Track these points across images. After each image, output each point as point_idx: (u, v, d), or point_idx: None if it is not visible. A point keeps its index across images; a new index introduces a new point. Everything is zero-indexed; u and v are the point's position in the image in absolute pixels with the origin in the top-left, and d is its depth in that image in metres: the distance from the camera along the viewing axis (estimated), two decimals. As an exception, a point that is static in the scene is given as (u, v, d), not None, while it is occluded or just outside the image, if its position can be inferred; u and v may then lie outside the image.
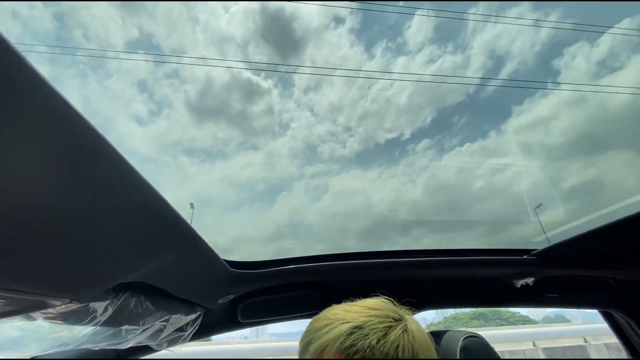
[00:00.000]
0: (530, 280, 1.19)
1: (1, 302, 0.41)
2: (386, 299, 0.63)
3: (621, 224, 0.83)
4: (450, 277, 1.14)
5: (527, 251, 1.09)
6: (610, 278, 1.24)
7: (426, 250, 1.10)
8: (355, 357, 0.49)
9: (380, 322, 0.54)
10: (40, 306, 0.46)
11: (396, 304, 0.62)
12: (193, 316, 0.94)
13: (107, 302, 0.59)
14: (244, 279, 0.94)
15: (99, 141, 0.31)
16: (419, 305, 1.18)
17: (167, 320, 0.81)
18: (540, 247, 1.07)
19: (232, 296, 0.99)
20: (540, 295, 1.23)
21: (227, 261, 0.89)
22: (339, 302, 0.66)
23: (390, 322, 0.54)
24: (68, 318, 0.53)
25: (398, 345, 0.51)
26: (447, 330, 0.85)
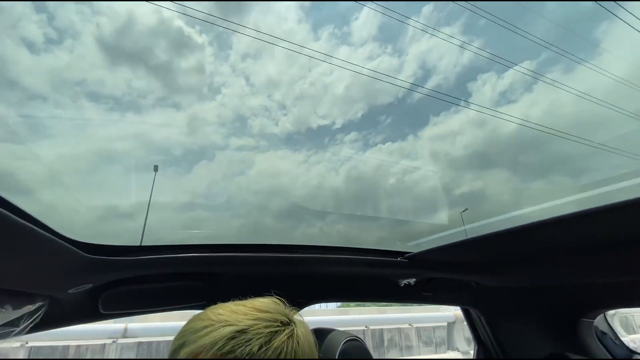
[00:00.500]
0: (412, 281, 1.30)
1: None
2: (278, 299, 0.59)
3: (483, 239, 0.94)
4: (339, 273, 1.17)
5: (403, 253, 1.18)
6: (473, 282, 1.43)
7: (318, 247, 1.10)
8: None
9: (267, 327, 0.50)
10: None
11: (287, 306, 0.59)
12: (30, 308, 0.75)
13: None
14: (106, 267, 0.78)
15: None
16: (308, 298, 1.19)
17: (-22, 317, 0.62)
18: (418, 250, 1.17)
19: (90, 285, 0.83)
20: (418, 293, 1.37)
21: (86, 245, 0.73)
22: (225, 294, 0.61)
23: (277, 326, 0.51)
24: None
25: (280, 352, 0.49)
26: (333, 330, 0.86)
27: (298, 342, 0.51)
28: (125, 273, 0.87)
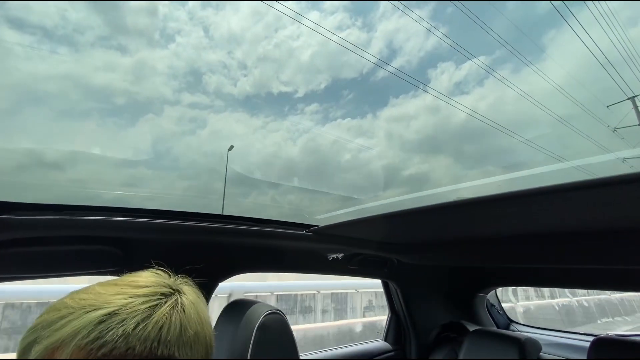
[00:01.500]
0: (340, 255, 1.37)
1: None
2: (161, 270, 0.52)
3: (388, 217, 0.99)
4: (261, 245, 1.19)
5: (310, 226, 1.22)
6: (395, 258, 1.56)
7: (241, 217, 1.09)
8: (100, 354, 0.38)
9: (144, 302, 0.43)
10: None
11: (170, 275, 0.52)
12: None
13: None
14: None
15: None
16: (227, 269, 1.19)
17: None
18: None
19: None
20: (345, 267, 1.45)
21: None
22: (140, 262, 0.54)
23: (158, 299, 0.44)
24: None
25: (162, 326, 0.42)
26: (255, 302, 0.87)
27: (184, 311, 0.46)
28: (20, 233, 0.77)
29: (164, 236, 0.96)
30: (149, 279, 0.48)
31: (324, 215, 1.31)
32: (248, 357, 0.70)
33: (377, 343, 1.74)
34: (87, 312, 0.40)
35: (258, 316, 0.77)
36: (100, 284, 0.46)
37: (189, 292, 0.50)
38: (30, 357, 0.40)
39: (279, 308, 0.83)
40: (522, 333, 1.60)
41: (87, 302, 0.41)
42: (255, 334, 0.72)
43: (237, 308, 0.84)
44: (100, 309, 0.40)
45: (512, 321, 1.93)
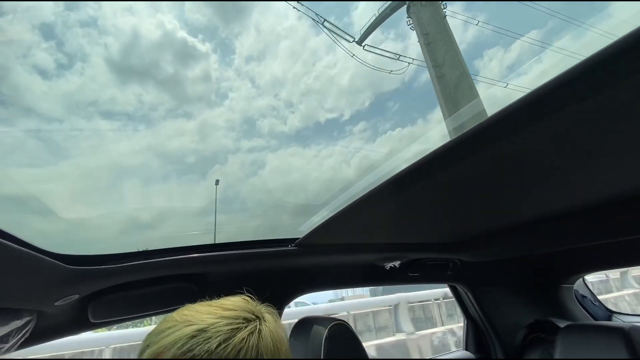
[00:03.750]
0: (397, 263, 1.34)
1: None
2: (248, 296, 0.59)
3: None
4: (320, 265, 1.21)
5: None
6: (457, 259, 1.48)
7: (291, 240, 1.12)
8: None
9: (227, 324, 0.49)
10: None
11: (256, 302, 0.58)
12: (17, 323, 0.77)
13: None
14: (90, 277, 0.81)
15: None
16: (298, 289, 1.23)
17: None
18: None
19: (76, 296, 0.85)
20: (404, 274, 1.41)
21: (67, 256, 0.75)
22: (215, 294, 0.61)
23: (240, 323, 0.50)
24: None
25: (240, 349, 0.47)
26: (318, 317, 0.89)
27: (261, 338, 0.50)
28: (111, 281, 0.89)
29: (232, 267, 1.04)
30: (237, 303, 0.55)
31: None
32: None
33: (459, 353, 1.62)
34: (185, 326, 0.48)
35: (324, 329, 0.79)
36: (199, 303, 0.55)
37: (270, 320, 0.54)
38: (144, 357, 0.49)
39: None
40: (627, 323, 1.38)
41: (187, 318, 0.50)
42: (325, 345, 0.74)
43: (303, 326, 0.87)
44: (194, 324, 0.48)
45: (612, 312, 1.68)
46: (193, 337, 0.46)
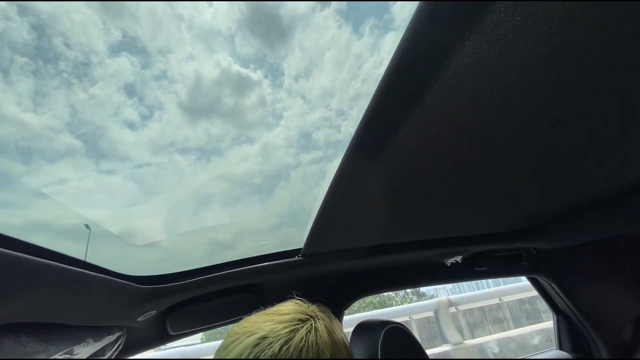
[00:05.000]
0: (459, 258, 1.24)
1: None
2: (298, 299, 0.62)
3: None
4: (378, 266, 1.17)
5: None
6: (532, 248, 1.31)
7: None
8: None
9: (285, 328, 0.53)
10: None
11: (307, 304, 0.61)
12: (111, 339, 0.89)
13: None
14: (161, 294, 0.90)
15: None
16: (356, 292, 1.20)
17: (70, 352, 0.75)
18: None
19: (154, 312, 0.94)
20: (470, 269, 1.29)
21: (136, 278, 0.84)
22: (274, 302, 0.65)
23: (295, 324, 0.53)
24: None
25: (302, 348, 0.50)
26: (375, 320, 0.87)
27: (319, 335, 0.53)
28: (181, 296, 0.97)
29: (288, 275, 1.06)
30: (288, 307, 0.59)
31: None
32: None
33: (552, 353, 1.42)
34: (247, 337, 0.51)
35: (379, 332, 0.76)
36: (255, 314, 0.59)
37: (323, 318, 0.57)
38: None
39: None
40: None
41: (247, 329, 0.54)
42: (381, 349, 0.71)
43: (360, 330, 0.85)
44: (255, 333, 0.51)
45: None
46: (256, 345, 0.50)
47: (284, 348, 0.49)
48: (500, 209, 0.93)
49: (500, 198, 0.82)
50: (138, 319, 0.93)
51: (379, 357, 0.72)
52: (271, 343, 0.50)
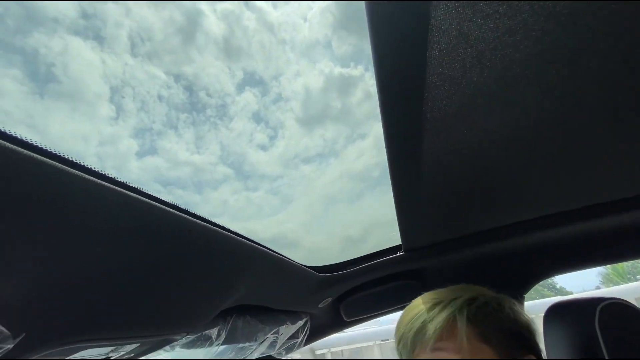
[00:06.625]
0: None
1: (137, 345, 0.52)
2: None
3: None
4: (566, 233, 0.93)
5: None
6: None
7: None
8: (483, 325, 0.51)
9: (486, 295, 0.56)
10: (165, 342, 0.57)
11: (487, 289, 0.60)
12: (300, 323, 1.01)
13: (218, 327, 0.70)
14: (334, 282, 0.96)
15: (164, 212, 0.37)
16: (539, 271, 1.01)
17: (277, 332, 0.90)
18: None
19: (330, 299, 1.03)
20: None
21: (313, 267, 0.93)
22: (436, 286, 0.64)
23: (475, 298, 0.54)
24: (190, 347, 0.64)
25: (516, 315, 0.54)
26: (578, 299, 0.71)
27: (501, 308, 0.54)
28: (350, 283, 1.03)
29: (449, 257, 0.99)
30: (470, 286, 0.59)
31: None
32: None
33: None
34: (454, 299, 0.53)
35: (592, 311, 0.60)
36: (427, 293, 0.60)
37: (502, 297, 0.57)
38: (429, 333, 0.52)
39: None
40: None
41: (440, 298, 0.56)
42: (601, 331, 0.56)
43: (557, 312, 0.70)
44: (460, 297, 0.53)
45: None
46: (470, 304, 0.52)
47: (499, 309, 0.53)
48: None
49: None
50: (319, 306, 1.03)
51: (600, 340, 0.57)
52: (485, 303, 0.53)
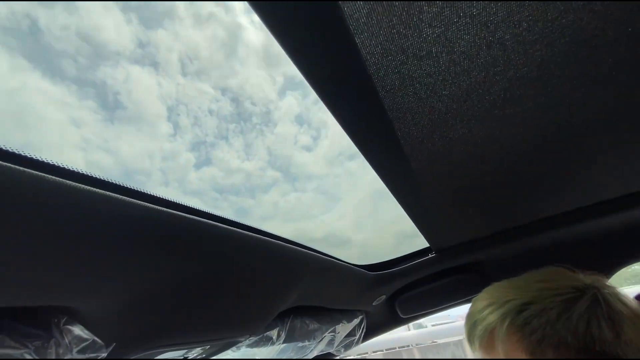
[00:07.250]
0: None
1: (208, 347, 0.56)
2: (561, 266, 0.52)
3: None
4: None
5: None
6: None
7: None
8: (532, 338, 0.43)
9: (557, 295, 0.45)
10: (232, 344, 0.61)
11: (575, 271, 0.51)
12: (356, 321, 1.01)
13: (278, 328, 0.72)
14: (387, 279, 0.95)
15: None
16: (614, 263, 0.89)
17: (334, 331, 0.91)
18: None
19: (384, 296, 1.02)
20: None
21: (364, 266, 0.92)
22: (498, 278, 0.58)
23: (571, 292, 0.45)
24: (254, 347, 0.68)
25: (589, 320, 0.42)
26: None
27: (611, 307, 0.43)
28: (404, 280, 1.01)
29: (511, 249, 0.91)
30: (550, 274, 0.50)
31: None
32: None
33: None
34: (505, 302, 0.47)
35: None
36: (505, 281, 0.53)
37: (605, 288, 0.46)
38: (476, 337, 0.49)
39: None
40: None
41: (500, 296, 0.49)
42: None
43: None
44: (514, 299, 0.46)
45: None
46: (521, 311, 0.45)
47: (563, 317, 0.42)
48: None
49: None
50: (373, 303, 1.02)
51: None
52: (543, 310, 0.43)
